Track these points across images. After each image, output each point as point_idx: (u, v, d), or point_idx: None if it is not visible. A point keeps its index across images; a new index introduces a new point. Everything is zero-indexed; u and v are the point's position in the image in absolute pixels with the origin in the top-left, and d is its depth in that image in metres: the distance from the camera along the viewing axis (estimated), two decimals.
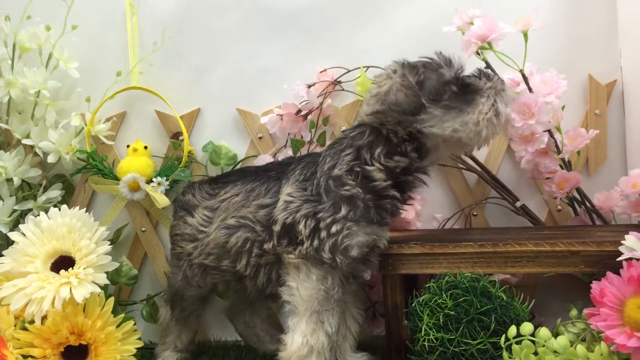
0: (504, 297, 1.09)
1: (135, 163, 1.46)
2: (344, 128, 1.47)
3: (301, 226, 1.14)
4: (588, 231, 1.25)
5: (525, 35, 1.26)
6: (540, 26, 1.24)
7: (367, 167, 1.14)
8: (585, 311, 1.04)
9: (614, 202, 1.32)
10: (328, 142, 1.47)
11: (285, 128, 1.43)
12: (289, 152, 1.45)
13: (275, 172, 1.24)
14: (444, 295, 1.10)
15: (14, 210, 1.45)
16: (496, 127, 1.14)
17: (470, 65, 1.29)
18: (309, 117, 1.43)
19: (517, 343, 1.01)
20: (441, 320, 1.08)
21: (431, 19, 1.43)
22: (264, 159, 1.45)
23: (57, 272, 1.20)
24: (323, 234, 1.12)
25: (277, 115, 1.43)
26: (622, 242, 1.06)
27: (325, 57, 1.47)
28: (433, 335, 1.08)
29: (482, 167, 1.43)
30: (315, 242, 1.13)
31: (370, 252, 1.18)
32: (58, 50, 1.46)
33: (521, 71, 1.28)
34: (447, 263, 1.18)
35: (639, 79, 1.37)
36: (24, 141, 1.45)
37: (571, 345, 1.00)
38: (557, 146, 1.31)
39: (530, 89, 1.27)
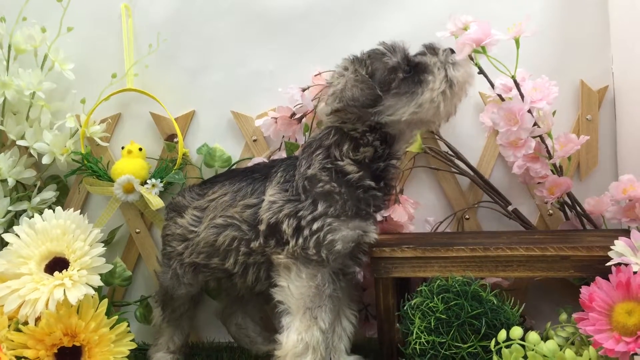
0: (495, 301, 1.10)
1: (129, 165, 1.46)
2: None
3: (285, 225, 1.17)
4: (578, 236, 1.26)
5: (517, 41, 1.27)
6: (532, 33, 1.26)
7: (339, 163, 1.17)
8: (575, 315, 1.05)
9: (604, 207, 1.33)
10: None
11: (279, 131, 1.44)
12: (283, 155, 1.46)
13: (260, 174, 1.27)
14: (436, 298, 1.11)
15: (8, 211, 1.46)
16: (453, 98, 1.16)
17: None
18: (303, 120, 1.44)
19: (507, 347, 1.02)
20: (432, 324, 1.09)
21: (423, 24, 1.43)
22: (258, 161, 1.45)
23: (51, 273, 1.21)
24: (306, 232, 1.15)
25: (271, 118, 1.44)
26: (612, 247, 1.07)
27: (319, 61, 1.47)
28: (424, 338, 1.09)
29: (474, 171, 1.44)
30: (300, 240, 1.15)
31: (357, 248, 1.20)
32: (53, 52, 1.47)
33: (513, 77, 1.29)
34: (439, 267, 1.20)
35: (631, 85, 1.38)
36: (19, 142, 1.46)
37: (560, 350, 1.01)
38: (548, 151, 1.32)
39: (522, 95, 1.28)
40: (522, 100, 1.28)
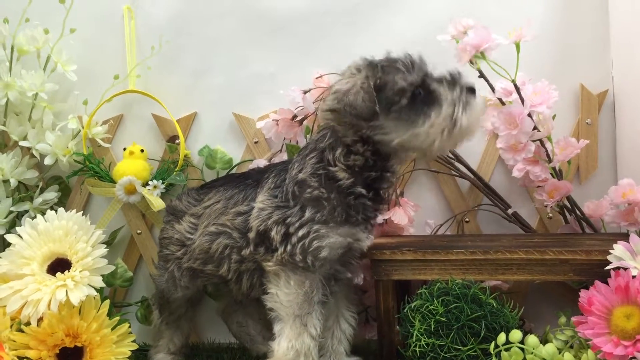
0: (495, 304, 1.11)
1: (131, 166, 1.47)
2: None
3: (273, 233, 1.17)
4: (578, 239, 1.27)
5: (518, 46, 1.28)
6: (532, 38, 1.26)
7: (331, 168, 1.15)
8: (574, 319, 1.06)
9: (603, 210, 1.34)
10: None
11: (280, 133, 1.45)
12: (284, 157, 1.46)
13: (252, 180, 1.27)
14: (435, 301, 1.12)
15: (11, 212, 1.46)
16: (453, 138, 1.10)
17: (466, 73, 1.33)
18: (305, 122, 1.45)
19: (507, 350, 1.03)
20: (432, 327, 1.10)
21: (424, 27, 1.45)
22: (260, 163, 1.46)
23: (54, 274, 1.22)
24: (293, 238, 1.14)
25: (272, 120, 1.45)
26: (611, 251, 1.08)
27: (321, 64, 1.48)
28: (424, 341, 1.10)
29: (474, 174, 1.45)
30: (289, 247, 1.15)
31: (348, 254, 1.20)
32: (56, 53, 1.47)
33: (513, 81, 1.29)
34: (439, 269, 1.20)
35: (630, 89, 1.39)
36: (21, 143, 1.47)
37: (559, 353, 1.01)
38: (548, 155, 1.33)
39: (522, 99, 1.29)
40: (522, 104, 1.29)
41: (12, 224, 1.46)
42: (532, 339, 1.02)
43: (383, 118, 1.10)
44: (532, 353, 1.02)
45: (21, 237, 1.26)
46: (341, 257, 1.19)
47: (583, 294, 1.05)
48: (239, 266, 1.23)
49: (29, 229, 1.26)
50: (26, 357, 1.18)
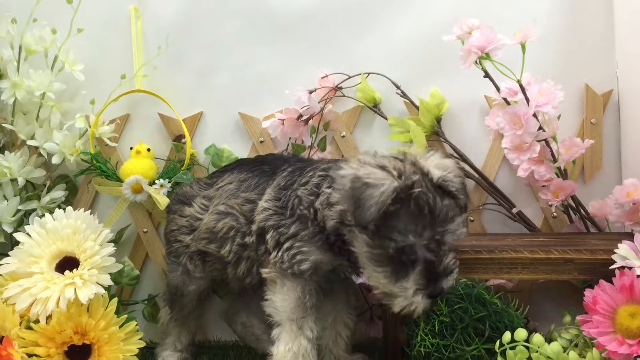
0: (499, 304, 1.11)
1: (138, 165, 1.48)
2: (343, 133, 1.49)
3: (268, 236, 1.18)
4: (582, 239, 1.27)
5: (523, 46, 1.28)
6: (538, 38, 1.27)
7: (316, 202, 1.15)
8: (578, 318, 1.06)
9: (608, 210, 1.34)
10: (328, 147, 1.49)
11: (286, 133, 1.46)
12: None
13: (269, 167, 1.28)
14: (439, 302, 1.12)
15: (18, 210, 1.47)
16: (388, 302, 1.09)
17: (471, 73, 1.33)
18: (310, 122, 1.46)
19: (512, 349, 1.04)
20: (436, 327, 1.10)
21: (429, 27, 1.46)
22: None
23: (62, 272, 1.23)
24: (283, 247, 1.16)
25: (278, 119, 1.45)
26: (615, 250, 1.08)
27: (326, 64, 1.49)
28: (429, 341, 1.10)
29: (479, 173, 1.45)
30: (279, 254, 1.16)
31: (339, 269, 1.21)
32: (63, 53, 1.48)
33: (519, 81, 1.30)
34: None
35: (635, 89, 1.39)
36: (29, 142, 1.47)
37: (564, 352, 1.02)
38: (553, 155, 1.33)
39: (527, 99, 1.29)
40: (528, 104, 1.29)
41: (20, 223, 1.47)
42: (537, 338, 1.03)
43: (363, 238, 1.07)
44: (537, 351, 1.02)
45: (30, 236, 1.27)
46: (333, 270, 1.20)
47: (588, 293, 1.06)
48: (241, 251, 1.25)
49: (37, 227, 1.27)
50: (35, 355, 1.19)
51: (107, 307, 1.24)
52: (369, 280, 1.11)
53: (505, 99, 1.35)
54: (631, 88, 1.41)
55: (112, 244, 1.29)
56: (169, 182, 1.46)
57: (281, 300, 1.17)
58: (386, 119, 1.46)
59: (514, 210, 1.43)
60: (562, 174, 1.36)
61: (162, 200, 1.44)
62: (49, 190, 1.50)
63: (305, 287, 1.16)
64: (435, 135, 1.46)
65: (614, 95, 1.45)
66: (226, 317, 1.50)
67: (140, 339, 1.28)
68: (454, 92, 1.47)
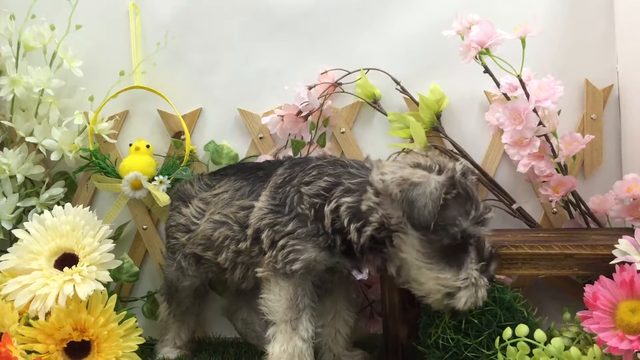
0: (525, 313, 1.11)
1: (137, 161, 1.47)
2: (343, 129, 1.49)
3: (264, 235, 1.18)
4: (582, 234, 1.27)
5: (523, 41, 1.28)
6: (538, 33, 1.26)
7: (325, 209, 1.13)
8: (579, 314, 1.06)
9: (608, 205, 1.34)
10: (328, 143, 1.49)
11: (286, 129, 1.45)
12: (289, 153, 1.47)
13: (264, 172, 1.28)
14: None
15: (17, 207, 1.47)
16: (437, 303, 1.08)
17: (471, 69, 1.33)
18: (310, 118, 1.45)
19: (513, 345, 1.03)
20: (463, 324, 1.09)
21: (428, 23, 1.45)
22: (265, 159, 1.46)
23: (61, 269, 1.23)
24: (277, 245, 1.15)
25: (278, 116, 1.45)
26: (616, 246, 1.08)
27: (325, 60, 1.49)
28: (449, 335, 1.09)
29: (479, 169, 1.45)
30: (274, 253, 1.16)
31: (336, 268, 1.20)
32: (62, 49, 1.47)
33: (519, 76, 1.29)
34: None
35: (636, 84, 1.39)
36: (28, 139, 1.47)
37: (566, 349, 1.02)
38: (553, 150, 1.33)
39: (527, 94, 1.29)
40: (528, 99, 1.29)
41: (19, 220, 1.47)
42: (538, 333, 1.02)
43: (420, 241, 1.06)
44: (540, 348, 1.01)
45: (29, 232, 1.27)
46: (330, 269, 1.20)
47: (588, 288, 1.05)
48: (235, 257, 1.24)
49: (36, 224, 1.27)
50: (34, 351, 1.19)
51: (106, 304, 1.23)
52: (425, 287, 1.07)
53: (505, 95, 1.35)
54: (632, 83, 1.41)
55: (111, 241, 1.29)
56: (169, 178, 1.46)
57: (274, 300, 1.17)
58: (386, 114, 1.46)
59: (514, 206, 1.43)
60: (562, 169, 1.35)
61: (162, 197, 1.43)
62: (48, 187, 1.50)
63: (298, 288, 1.16)
64: (435, 131, 1.46)
65: (614, 91, 1.44)
66: (228, 313, 1.50)
67: (140, 335, 1.28)
68: (453, 88, 1.46)
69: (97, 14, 1.53)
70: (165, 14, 1.53)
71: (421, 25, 1.47)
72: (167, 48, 1.49)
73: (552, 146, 1.33)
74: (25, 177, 1.48)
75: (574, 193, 1.38)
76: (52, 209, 1.30)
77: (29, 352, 1.19)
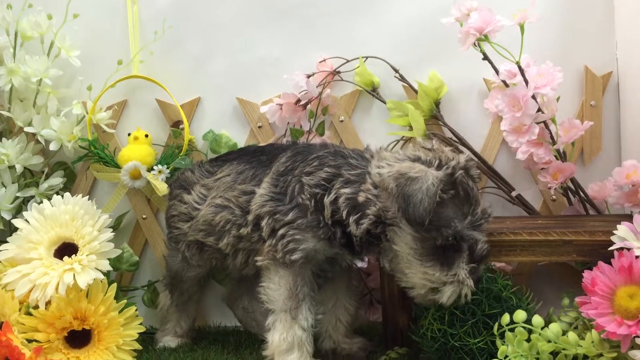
0: (515, 301, 1.11)
1: (136, 151, 1.47)
2: (342, 118, 1.49)
3: (264, 223, 1.17)
4: (581, 221, 1.27)
5: (522, 27, 1.27)
6: (537, 19, 1.26)
7: (325, 200, 1.13)
8: (577, 299, 1.06)
9: (607, 192, 1.34)
10: (327, 132, 1.49)
11: (284, 117, 1.45)
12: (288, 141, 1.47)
13: (267, 157, 1.27)
14: None
15: (16, 197, 1.47)
16: (421, 298, 1.10)
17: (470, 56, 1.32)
18: (308, 106, 1.45)
19: (511, 330, 1.04)
20: (447, 317, 1.10)
21: (427, 10, 1.44)
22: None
23: (61, 258, 1.23)
24: (277, 234, 1.15)
25: (276, 104, 1.45)
26: (614, 232, 1.08)
27: (324, 48, 1.48)
28: (436, 326, 1.10)
29: (478, 157, 1.45)
30: (273, 242, 1.16)
31: (336, 259, 1.20)
32: (60, 39, 1.47)
33: (517, 63, 1.29)
34: None
35: (635, 71, 1.38)
36: (26, 129, 1.47)
37: (563, 334, 1.02)
38: (552, 137, 1.33)
39: (526, 81, 1.29)
40: (527, 86, 1.28)
41: (18, 210, 1.47)
42: (536, 319, 1.03)
43: (414, 236, 1.06)
44: (537, 333, 1.02)
45: (28, 222, 1.27)
46: (329, 259, 1.20)
47: (587, 274, 1.05)
48: (237, 243, 1.24)
49: (35, 213, 1.27)
50: (35, 340, 1.19)
51: (106, 293, 1.24)
52: (411, 280, 1.08)
53: (504, 81, 1.34)
54: (631, 70, 1.40)
55: (111, 230, 1.29)
56: (167, 168, 1.46)
57: (274, 289, 1.17)
58: (385, 103, 1.46)
59: (513, 194, 1.43)
60: (561, 156, 1.35)
61: (161, 186, 1.44)
62: (47, 177, 1.50)
63: (298, 277, 1.16)
64: (434, 119, 1.46)
65: (613, 77, 1.44)
66: (228, 301, 1.51)
67: (140, 324, 1.28)
68: (452, 75, 1.46)
69: (95, 3, 1.53)
70: (163, 2, 1.52)
71: (419, 13, 1.46)
72: (165, 37, 1.48)
73: (551, 133, 1.33)
74: (25, 167, 1.48)
75: (572, 180, 1.38)
76: (51, 199, 1.30)
77: (29, 340, 1.19)
